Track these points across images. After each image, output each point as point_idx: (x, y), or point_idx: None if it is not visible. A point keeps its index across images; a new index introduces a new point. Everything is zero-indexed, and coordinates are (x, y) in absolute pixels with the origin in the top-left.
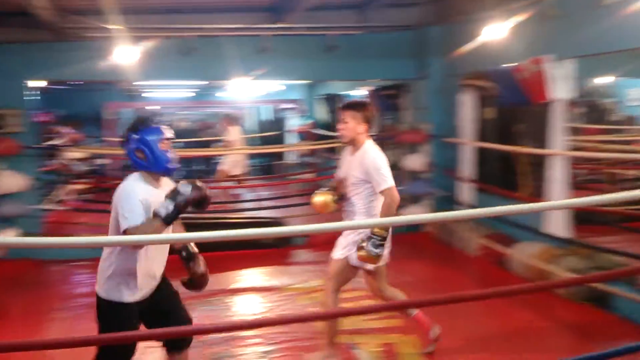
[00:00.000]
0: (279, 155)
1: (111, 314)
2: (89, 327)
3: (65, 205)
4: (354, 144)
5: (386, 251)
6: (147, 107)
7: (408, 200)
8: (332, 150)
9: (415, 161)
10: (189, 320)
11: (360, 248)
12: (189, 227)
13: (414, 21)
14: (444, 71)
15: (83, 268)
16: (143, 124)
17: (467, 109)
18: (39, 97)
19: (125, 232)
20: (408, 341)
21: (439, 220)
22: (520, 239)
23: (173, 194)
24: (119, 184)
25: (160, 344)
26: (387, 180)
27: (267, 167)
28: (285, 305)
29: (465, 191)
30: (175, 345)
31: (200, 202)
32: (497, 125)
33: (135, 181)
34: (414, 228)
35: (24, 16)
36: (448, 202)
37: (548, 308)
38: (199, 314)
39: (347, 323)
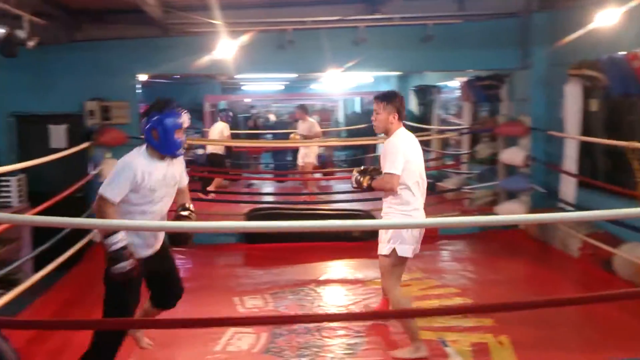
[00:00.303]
0: (369, 148)
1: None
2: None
3: None
4: (387, 134)
5: (407, 247)
6: (242, 100)
7: (504, 195)
8: (424, 143)
9: (513, 155)
10: (181, 284)
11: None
12: (280, 217)
13: (518, 8)
14: (548, 60)
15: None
16: (167, 107)
17: (572, 100)
18: (140, 90)
19: (99, 195)
20: (500, 341)
21: (544, 221)
22: (628, 238)
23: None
24: (214, 173)
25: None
26: (392, 166)
27: (356, 160)
28: (372, 298)
29: (568, 187)
30: (165, 305)
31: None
32: (605, 117)
33: (139, 155)
34: (508, 225)
35: (135, 13)
36: (547, 198)
37: None
38: (288, 303)
39: (438, 320)
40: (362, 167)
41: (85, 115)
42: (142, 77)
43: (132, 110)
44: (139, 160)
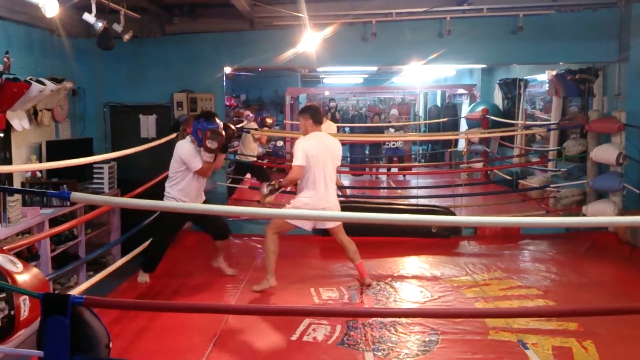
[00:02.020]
0: (451, 143)
1: (171, 216)
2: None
3: (245, 184)
4: None
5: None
6: (322, 93)
7: (593, 195)
8: (508, 139)
9: (605, 153)
10: (224, 221)
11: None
12: (357, 210)
13: None
14: None
15: (258, 242)
16: (208, 117)
17: None
18: (225, 82)
19: (197, 170)
20: (585, 347)
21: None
22: None
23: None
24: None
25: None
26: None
27: (437, 154)
28: (449, 296)
29: None
30: (221, 236)
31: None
32: None
33: (188, 142)
34: (597, 227)
35: (224, 7)
36: None
37: None
38: (363, 298)
39: (518, 321)
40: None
41: (174, 106)
42: (227, 69)
43: (218, 102)
44: (190, 145)
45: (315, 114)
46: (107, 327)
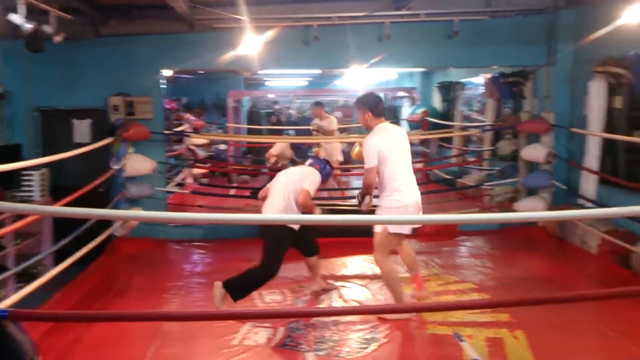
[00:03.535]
0: None
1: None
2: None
3: (186, 189)
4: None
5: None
6: (265, 95)
7: (524, 192)
8: (447, 139)
9: (535, 152)
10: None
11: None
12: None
13: (544, 5)
14: (574, 57)
15: (199, 248)
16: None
17: (596, 97)
18: (165, 86)
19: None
20: (516, 336)
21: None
22: None
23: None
24: (236, 168)
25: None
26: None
27: None
28: (389, 293)
29: (589, 184)
30: (311, 253)
31: None
32: (629, 114)
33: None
34: (527, 222)
35: (162, 9)
36: (567, 195)
37: None
38: (306, 298)
39: (455, 315)
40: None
41: (109, 111)
42: (167, 72)
43: (156, 106)
44: None
45: (374, 106)
46: (39, 339)
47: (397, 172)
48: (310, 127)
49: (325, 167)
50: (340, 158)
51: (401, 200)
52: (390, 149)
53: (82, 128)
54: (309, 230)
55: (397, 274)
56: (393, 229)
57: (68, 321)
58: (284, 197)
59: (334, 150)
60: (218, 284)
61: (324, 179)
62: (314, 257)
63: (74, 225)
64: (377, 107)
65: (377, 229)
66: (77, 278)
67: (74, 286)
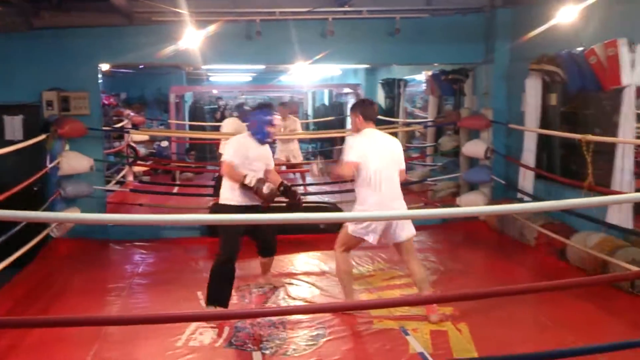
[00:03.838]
0: (337, 141)
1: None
2: (145, 306)
3: (126, 187)
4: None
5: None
6: (209, 91)
7: (466, 187)
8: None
9: (475, 147)
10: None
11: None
12: (246, 209)
13: (482, 4)
14: (511, 55)
15: (141, 248)
16: (264, 107)
17: (532, 94)
18: (102, 80)
19: (222, 162)
20: (459, 329)
21: (502, 212)
22: (580, 228)
23: (261, 182)
24: (179, 165)
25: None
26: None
27: (324, 152)
28: (335, 289)
29: (527, 179)
30: (268, 253)
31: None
32: (562, 111)
33: (244, 136)
34: (469, 216)
35: (98, 1)
36: (507, 189)
37: (607, 300)
38: (252, 297)
39: (399, 309)
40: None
41: (43, 106)
42: (104, 66)
43: (93, 101)
44: (245, 139)
45: (364, 110)
46: None
47: (373, 177)
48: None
49: (258, 129)
50: (300, 159)
51: (367, 208)
52: (371, 154)
53: (14, 124)
54: (272, 226)
55: (349, 269)
56: (351, 229)
57: (3, 327)
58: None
59: (294, 150)
60: (203, 306)
61: (262, 137)
62: (269, 258)
63: (6, 226)
64: (367, 111)
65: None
66: (12, 281)
67: (8, 290)
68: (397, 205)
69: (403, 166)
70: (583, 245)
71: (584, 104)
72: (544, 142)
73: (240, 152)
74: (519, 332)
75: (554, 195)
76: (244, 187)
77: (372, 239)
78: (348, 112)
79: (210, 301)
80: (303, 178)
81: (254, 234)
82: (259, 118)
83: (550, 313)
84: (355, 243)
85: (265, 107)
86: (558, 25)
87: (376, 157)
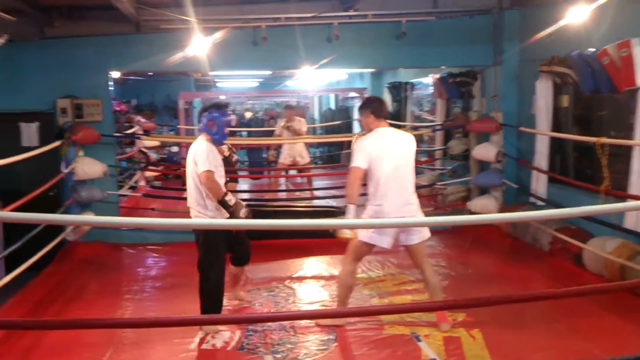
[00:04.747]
0: (344, 145)
1: (215, 237)
2: (158, 309)
3: (138, 192)
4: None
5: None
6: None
7: (476, 191)
8: None
9: (485, 151)
10: (249, 248)
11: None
12: (255, 215)
13: (490, 5)
14: (520, 57)
15: (153, 252)
16: (221, 108)
17: (543, 96)
18: (113, 87)
19: (203, 174)
20: (472, 335)
21: (515, 220)
22: (597, 233)
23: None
24: None
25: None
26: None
27: (332, 156)
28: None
29: (539, 183)
30: (240, 262)
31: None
32: (574, 113)
33: (205, 140)
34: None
35: (108, 10)
36: (519, 194)
37: (626, 307)
38: (262, 300)
39: (411, 315)
40: None
41: (57, 113)
42: (115, 74)
43: (105, 108)
44: (206, 144)
45: (376, 108)
46: None
47: (384, 180)
48: (275, 129)
49: (217, 130)
50: (307, 159)
51: (381, 211)
52: (382, 154)
53: (29, 131)
54: (246, 236)
55: (353, 285)
56: (361, 236)
57: (22, 329)
58: (195, 185)
59: (301, 150)
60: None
61: (217, 140)
62: (241, 268)
63: (24, 230)
64: (380, 110)
65: (358, 233)
66: (30, 284)
67: (27, 292)
68: (409, 209)
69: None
70: (600, 251)
71: (597, 106)
72: (556, 145)
73: (213, 158)
74: (534, 340)
75: (567, 199)
76: (221, 203)
77: (386, 243)
78: (355, 116)
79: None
80: (309, 181)
81: (230, 243)
82: (217, 119)
83: (567, 320)
84: (367, 250)
85: (223, 107)
86: (568, 26)
87: (389, 158)
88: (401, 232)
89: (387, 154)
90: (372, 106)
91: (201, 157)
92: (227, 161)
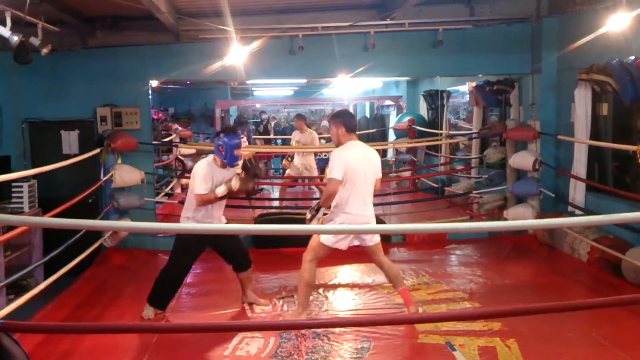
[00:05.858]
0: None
1: (187, 240)
2: (192, 315)
3: (174, 199)
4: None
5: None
6: (253, 105)
7: (513, 200)
8: (434, 148)
9: (522, 159)
10: (244, 248)
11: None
12: (289, 222)
13: (528, 13)
14: (558, 65)
15: None
16: (230, 131)
17: (582, 104)
18: (151, 96)
19: (197, 196)
20: (508, 345)
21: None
22: (636, 243)
23: (228, 182)
24: None
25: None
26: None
27: None
28: (379, 302)
29: (577, 191)
30: (241, 267)
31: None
32: (614, 122)
33: (208, 163)
34: (517, 230)
35: (148, 20)
36: (556, 203)
37: None
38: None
39: (446, 324)
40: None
41: (97, 121)
42: (154, 82)
43: (144, 116)
44: (210, 165)
45: (348, 121)
46: (32, 350)
47: (355, 190)
48: (291, 139)
49: (227, 154)
50: (315, 172)
51: (347, 218)
52: (355, 166)
53: (70, 139)
54: (236, 241)
55: (313, 282)
56: (323, 238)
57: (61, 333)
58: (190, 194)
59: (309, 162)
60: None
61: (230, 162)
62: (245, 272)
63: (63, 237)
64: (350, 123)
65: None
66: (69, 289)
67: (65, 297)
68: (369, 212)
69: (380, 175)
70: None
71: (637, 114)
72: (595, 154)
73: (214, 178)
74: (572, 350)
75: (606, 208)
76: (221, 198)
77: (343, 245)
78: (390, 124)
79: (151, 302)
80: (320, 190)
81: (217, 249)
82: (226, 143)
83: (605, 331)
84: (326, 252)
85: (231, 131)
86: (607, 34)
87: (360, 170)
88: (358, 236)
89: (360, 167)
90: (344, 119)
91: (198, 178)
92: (252, 171)
